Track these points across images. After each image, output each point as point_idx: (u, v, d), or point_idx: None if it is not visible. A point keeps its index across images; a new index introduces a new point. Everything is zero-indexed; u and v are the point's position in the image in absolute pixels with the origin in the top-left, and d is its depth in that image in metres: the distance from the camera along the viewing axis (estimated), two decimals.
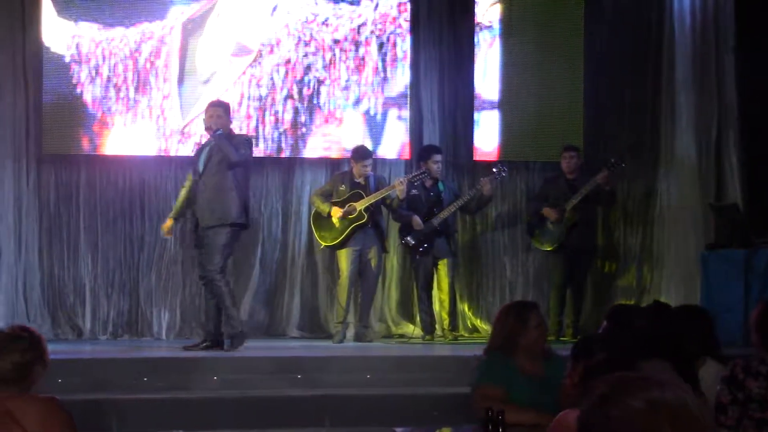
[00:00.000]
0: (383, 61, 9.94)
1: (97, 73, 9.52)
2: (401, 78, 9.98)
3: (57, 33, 9.44)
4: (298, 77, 9.82)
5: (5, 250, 9.33)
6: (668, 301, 6.89)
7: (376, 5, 9.94)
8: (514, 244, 10.24)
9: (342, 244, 9.07)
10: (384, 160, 9.94)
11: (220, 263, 8.13)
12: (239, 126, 9.60)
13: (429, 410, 6.82)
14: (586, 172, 9.52)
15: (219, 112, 8.25)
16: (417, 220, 9.22)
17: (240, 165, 8.21)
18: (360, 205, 9.01)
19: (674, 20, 10.03)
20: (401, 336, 9.72)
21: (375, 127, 9.92)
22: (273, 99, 9.78)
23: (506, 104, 10.14)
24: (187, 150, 9.46)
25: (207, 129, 8.23)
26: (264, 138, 9.77)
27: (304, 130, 9.83)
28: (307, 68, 9.83)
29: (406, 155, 9.97)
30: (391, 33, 9.96)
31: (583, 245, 9.53)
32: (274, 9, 9.82)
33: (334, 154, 9.88)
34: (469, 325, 10.01)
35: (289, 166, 9.92)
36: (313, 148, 9.87)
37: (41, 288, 9.45)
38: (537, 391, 4.63)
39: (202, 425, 6.75)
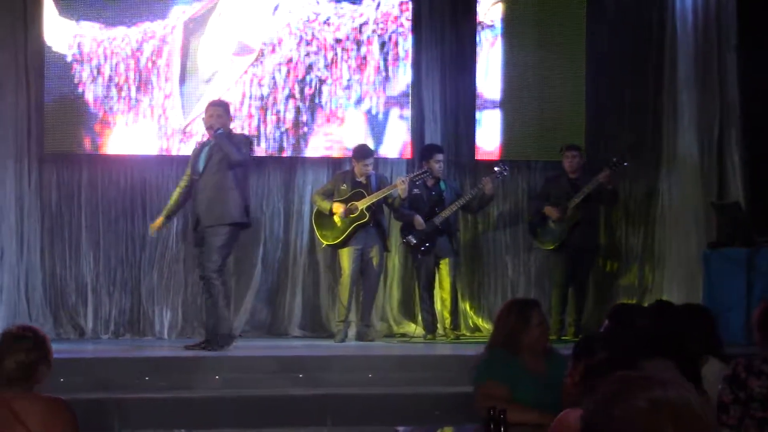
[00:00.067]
0: (385, 60, 9.94)
1: (98, 72, 9.52)
2: (403, 77, 9.97)
3: (59, 32, 9.44)
4: (300, 76, 9.81)
5: (7, 249, 9.34)
6: (670, 300, 6.87)
7: (378, 4, 9.94)
8: (516, 244, 10.23)
9: (344, 243, 9.07)
10: (386, 160, 9.93)
11: (219, 262, 8.13)
12: (241, 125, 9.60)
13: (431, 409, 6.82)
14: (588, 171, 9.51)
15: (219, 111, 8.27)
16: (419, 219, 9.22)
17: (241, 164, 8.22)
18: (362, 204, 9.01)
19: (676, 19, 10.02)
20: (403, 335, 9.72)
21: (377, 126, 9.91)
22: (275, 98, 9.78)
23: (508, 103, 10.14)
24: (189, 149, 9.43)
25: (208, 128, 8.24)
26: (266, 137, 9.77)
27: (305, 129, 9.83)
28: (309, 67, 9.83)
29: (408, 154, 9.97)
30: (393, 32, 9.96)
31: (585, 244, 9.52)
32: (276, 8, 9.82)
33: (335, 153, 9.88)
34: (471, 324, 10.01)
35: (290, 166, 9.92)
36: (315, 148, 9.86)
37: (43, 287, 9.45)
38: (541, 390, 4.63)
39: (204, 424, 6.76)
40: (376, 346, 8.99)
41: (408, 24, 9.98)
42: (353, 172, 9.19)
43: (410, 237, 9.28)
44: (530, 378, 4.73)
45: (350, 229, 9.01)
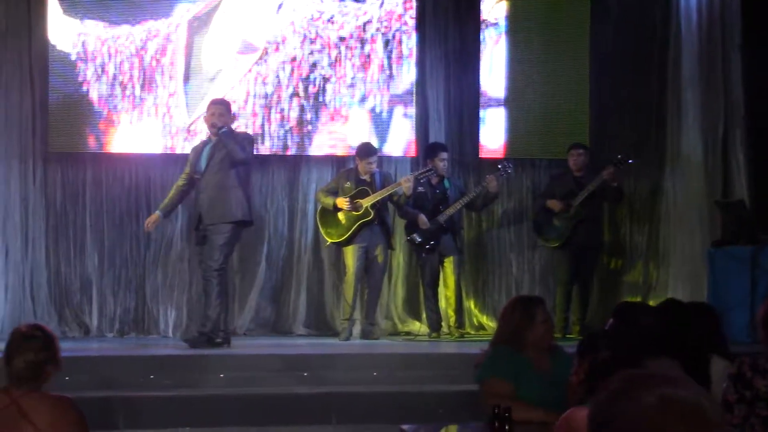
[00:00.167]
0: (389, 58, 9.94)
1: (103, 71, 9.53)
2: (407, 75, 9.97)
3: (63, 31, 9.44)
4: (304, 75, 9.81)
5: (12, 248, 9.35)
6: (679, 299, 6.87)
7: (382, 2, 9.94)
8: (520, 241, 10.23)
9: (348, 241, 9.07)
10: (390, 158, 9.93)
11: (220, 261, 8.13)
12: (245, 124, 9.62)
13: (435, 407, 6.82)
14: (592, 169, 9.51)
15: (221, 109, 8.29)
16: (423, 218, 9.21)
17: (244, 163, 8.24)
18: (366, 202, 9.01)
19: (680, 18, 10.01)
20: (407, 333, 9.72)
21: (381, 124, 9.91)
22: (279, 97, 9.78)
23: (512, 101, 10.14)
24: None
25: (210, 126, 8.25)
26: (270, 136, 9.77)
27: (309, 127, 9.84)
28: (313, 66, 9.83)
29: (412, 153, 9.97)
30: (397, 30, 9.96)
31: (589, 242, 9.52)
32: (280, 6, 9.82)
33: (339, 151, 9.88)
34: (476, 322, 10.01)
35: (294, 164, 9.93)
36: (319, 146, 9.87)
37: (48, 286, 9.46)
38: (546, 387, 4.63)
39: (208, 422, 6.77)
40: (381, 345, 9.00)
41: (412, 22, 9.98)
42: (357, 170, 9.19)
43: (415, 235, 9.29)
44: (535, 375, 4.72)
45: (355, 227, 9.01)
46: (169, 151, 9.63)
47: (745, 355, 4.26)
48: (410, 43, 9.98)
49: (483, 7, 10.13)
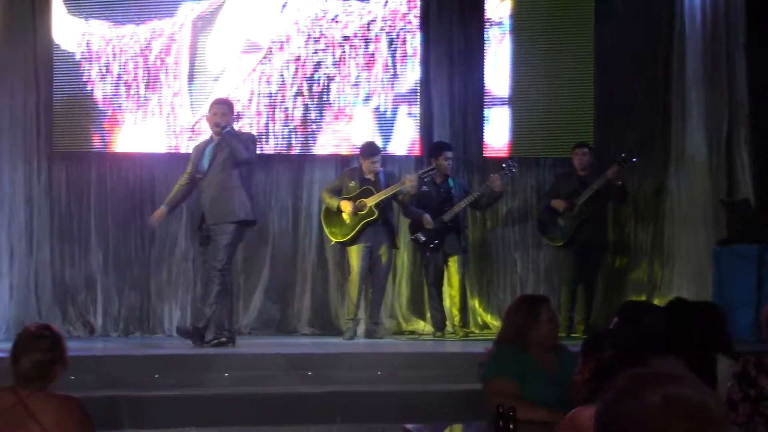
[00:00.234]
0: (393, 57, 9.93)
1: (107, 70, 9.53)
2: (411, 74, 9.97)
3: (67, 31, 9.45)
4: (308, 74, 9.82)
5: (17, 247, 9.36)
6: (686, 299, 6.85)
7: (386, 2, 9.94)
8: (525, 241, 10.23)
9: (352, 241, 9.07)
10: (394, 157, 9.93)
11: (224, 261, 8.14)
12: (250, 123, 9.63)
13: (439, 407, 6.82)
14: (597, 169, 9.50)
15: (224, 109, 8.30)
16: (427, 218, 9.21)
17: (248, 162, 8.25)
18: (370, 202, 9.01)
19: (685, 17, 10.00)
20: (412, 333, 9.72)
21: (385, 123, 9.91)
22: (283, 96, 9.79)
23: (516, 100, 10.13)
24: None
25: (214, 126, 8.25)
26: (274, 135, 9.78)
27: (314, 127, 9.84)
28: (317, 65, 9.83)
29: (417, 152, 9.97)
30: (401, 29, 9.96)
31: (594, 241, 9.51)
32: (284, 6, 9.82)
33: (344, 150, 9.88)
34: (480, 321, 10.01)
35: (299, 163, 9.93)
36: (323, 145, 9.87)
37: (53, 285, 9.47)
38: (550, 386, 4.62)
39: (213, 422, 6.77)
40: (385, 344, 9.00)
41: (416, 21, 9.98)
42: (361, 169, 9.19)
43: (419, 234, 9.29)
44: (540, 374, 4.72)
45: (359, 226, 9.01)
46: (173, 151, 9.63)
47: (750, 353, 4.26)
48: (414, 42, 9.97)
49: (487, 6, 10.12)
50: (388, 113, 9.92)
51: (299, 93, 9.80)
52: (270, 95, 9.77)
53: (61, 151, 9.52)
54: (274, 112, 9.77)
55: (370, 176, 9.12)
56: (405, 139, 9.97)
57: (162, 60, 9.62)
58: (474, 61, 10.11)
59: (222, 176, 8.20)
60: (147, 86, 9.59)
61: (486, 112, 10.12)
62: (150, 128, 9.60)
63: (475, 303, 10.00)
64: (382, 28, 9.93)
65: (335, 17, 9.87)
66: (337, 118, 9.86)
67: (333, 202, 9.10)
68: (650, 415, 1.73)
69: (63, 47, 9.45)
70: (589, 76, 10.15)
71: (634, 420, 1.74)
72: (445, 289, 9.49)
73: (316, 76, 9.83)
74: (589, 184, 9.39)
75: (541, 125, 10.10)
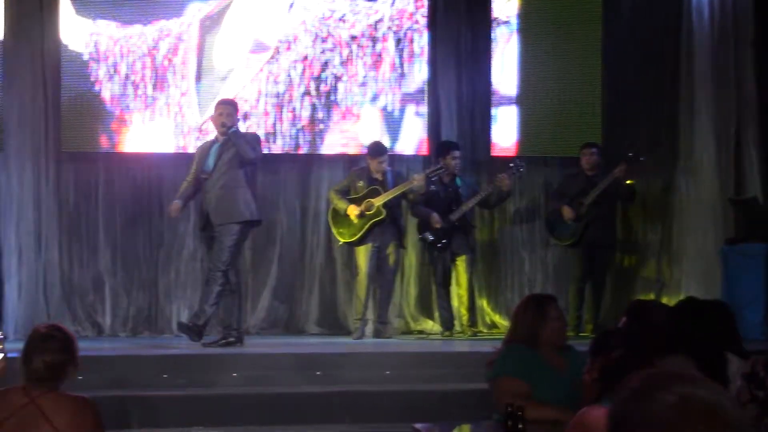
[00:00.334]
0: (400, 57, 9.93)
1: (115, 70, 9.55)
2: (418, 74, 9.97)
3: (75, 31, 9.47)
4: (316, 74, 9.82)
5: (25, 248, 9.38)
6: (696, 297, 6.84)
7: (393, 1, 9.94)
8: (533, 240, 10.22)
9: (360, 241, 9.07)
10: (401, 157, 9.93)
11: (228, 261, 8.14)
12: (257, 123, 9.64)
13: (448, 406, 6.82)
14: (605, 168, 9.49)
15: (229, 110, 8.31)
16: (435, 217, 9.21)
17: (253, 162, 8.26)
18: (378, 201, 9.01)
19: (692, 15, 9.97)
20: (420, 332, 9.73)
21: (392, 123, 9.91)
22: (290, 96, 9.79)
23: (524, 99, 10.12)
24: None
25: (221, 126, 8.25)
26: (281, 135, 9.78)
27: (321, 126, 9.84)
28: (325, 64, 9.84)
29: (424, 151, 9.97)
30: (408, 29, 9.96)
31: (602, 240, 9.50)
32: (291, 5, 9.83)
33: (351, 150, 9.88)
34: (488, 320, 10.00)
35: (306, 163, 9.93)
36: (331, 145, 9.87)
37: (61, 285, 9.48)
38: (560, 385, 4.62)
39: (221, 421, 6.78)
40: (393, 343, 9.00)
41: (423, 20, 9.98)
42: (369, 169, 9.19)
43: (427, 234, 9.28)
44: (549, 374, 4.71)
45: (367, 226, 9.01)
46: (181, 151, 9.64)
47: (759, 352, 4.25)
48: (422, 41, 9.97)
49: (494, 5, 10.12)
50: (396, 113, 9.92)
51: (307, 92, 9.81)
52: (277, 95, 9.78)
53: (69, 152, 9.54)
54: (281, 112, 9.78)
55: (377, 176, 9.12)
56: (412, 138, 9.97)
57: (169, 60, 9.64)
58: (481, 60, 10.11)
59: (227, 176, 8.21)
60: (154, 86, 9.61)
61: (493, 111, 10.12)
62: (158, 128, 9.61)
63: (483, 302, 10.00)
64: (389, 28, 9.93)
65: (342, 17, 9.87)
66: (344, 117, 9.86)
67: (341, 206, 9.09)
68: (665, 416, 1.72)
69: (71, 47, 9.46)
70: (597, 75, 10.14)
71: (648, 421, 1.73)
72: (453, 288, 9.49)
73: (323, 75, 9.83)
74: (597, 183, 9.38)
75: (548, 124, 10.09)
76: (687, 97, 9.99)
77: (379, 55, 9.91)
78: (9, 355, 4.40)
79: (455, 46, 10.09)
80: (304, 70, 9.81)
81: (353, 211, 9.00)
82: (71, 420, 3.68)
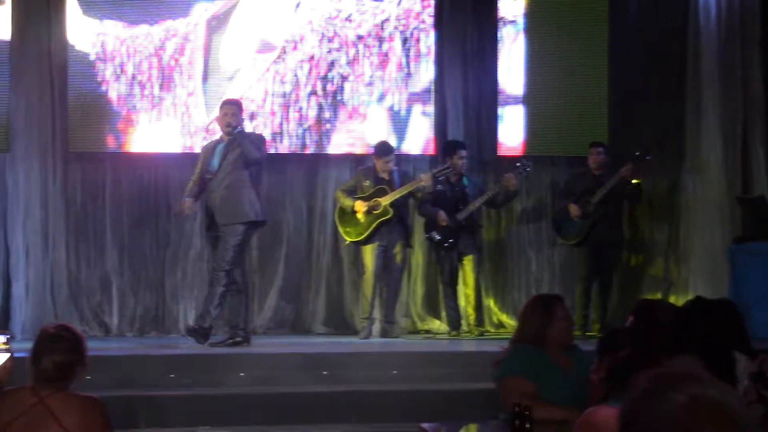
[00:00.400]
0: (407, 56, 9.93)
1: (122, 70, 9.56)
2: (425, 73, 9.97)
3: (82, 31, 9.48)
4: (322, 73, 9.82)
5: (33, 247, 9.39)
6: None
7: (399, 1, 9.93)
8: (540, 239, 10.22)
9: (367, 240, 9.06)
10: (408, 156, 9.93)
11: (231, 261, 8.14)
12: (264, 123, 9.64)
13: (455, 406, 6.82)
14: (612, 168, 9.47)
15: (234, 110, 8.32)
16: (442, 215, 9.21)
17: (258, 162, 8.27)
18: (385, 201, 9.00)
19: (699, 14, 9.96)
20: (427, 332, 9.72)
21: (399, 122, 9.91)
22: (297, 95, 9.80)
23: (530, 99, 10.12)
24: None
25: (226, 126, 8.26)
26: (288, 135, 9.78)
27: (328, 126, 9.84)
28: (331, 64, 9.84)
29: (431, 151, 9.96)
30: (415, 28, 9.96)
31: (609, 239, 9.48)
32: (298, 5, 9.83)
33: (358, 150, 9.88)
34: (495, 320, 9.99)
35: (313, 163, 9.94)
36: (338, 145, 9.87)
37: (68, 285, 9.50)
38: (567, 385, 4.61)
39: (228, 421, 6.79)
40: (400, 343, 9.00)
41: (430, 20, 9.98)
42: (375, 168, 9.18)
43: (434, 233, 9.28)
44: (556, 373, 4.71)
45: (373, 225, 9.01)
46: (187, 151, 9.64)
47: (767, 351, 4.24)
48: (428, 41, 9.97)
49: (501, 4, 10.11)
50: (402, 112, 9.92)
51: (313, 92, 9.81)
52: (284, 95, 9.78)
53: (76, 151, 9.55)
54: (288, 112, 9.78)
55: (384, 175, 9.12)
56: (419, 138, 9.97)
57: (176, 60, 9.64)
58: (488, 59, 10.10)
59: (232, 176, 8.21)
60: (161, 86, 9.61)
61: (500, 110, 10.11)
62: (164, 128, 9.62)
63: (490, 302, 10.00)
64: (395, 27, 9.93)
65: (349, 16, 9.87)
66: (351, 117, 9.86)
67: (347, 202, 9.09)
68: (675, 416, 1.72)
69: (77, 48, 9.48)
70: (604, 74, 10.13)
71: (658, 421, 1.73)
72: (460, 288, 9.48)
73: (330, 75, 9.83)
74: (604, 183, 9.37)
75: (555, 123, 10.08)
76: (694, 97, 9.98)
77: (386, 54, 9.91)
78: (16, 354, 4.41)
79: (462, 45, 10.09)
80: (310, 69, 9.81)
81: (361, 206, 8.99)
82: (80, 420, 3.69)
